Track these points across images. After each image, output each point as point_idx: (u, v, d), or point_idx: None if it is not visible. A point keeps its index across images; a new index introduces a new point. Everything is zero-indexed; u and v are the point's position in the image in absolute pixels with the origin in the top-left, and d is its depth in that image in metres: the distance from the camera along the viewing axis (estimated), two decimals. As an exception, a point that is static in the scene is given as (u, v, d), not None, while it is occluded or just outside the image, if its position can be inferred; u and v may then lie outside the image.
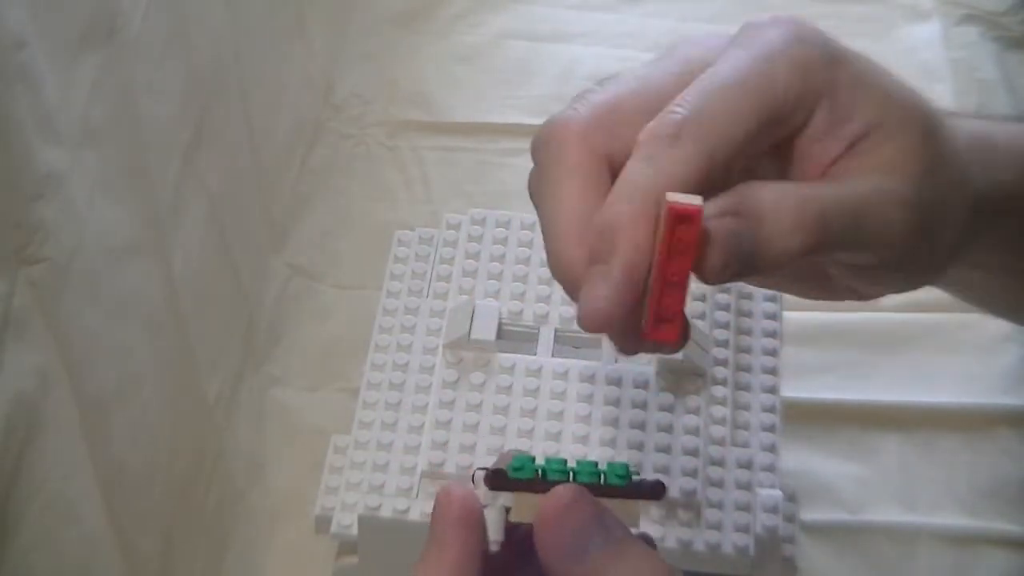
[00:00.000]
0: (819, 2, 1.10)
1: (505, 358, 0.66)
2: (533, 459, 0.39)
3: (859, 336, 0.84)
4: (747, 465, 0.64)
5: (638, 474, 0.40)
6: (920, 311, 0.86)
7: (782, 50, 0.42)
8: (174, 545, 0.69)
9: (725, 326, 0.67)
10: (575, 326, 0.68)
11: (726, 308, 0.68)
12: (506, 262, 0.71)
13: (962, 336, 0.85)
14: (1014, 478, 0.78)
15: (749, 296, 0.69)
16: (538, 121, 1.08)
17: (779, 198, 0.40)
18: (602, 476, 0.39)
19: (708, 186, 0.40)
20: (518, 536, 0.39)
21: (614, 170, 0.41)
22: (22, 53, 0.53)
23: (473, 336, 0.66)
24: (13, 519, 0.54)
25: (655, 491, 0.40)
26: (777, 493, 0.63)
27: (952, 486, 0.78)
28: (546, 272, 0.70)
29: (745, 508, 0.62)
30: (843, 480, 0.79)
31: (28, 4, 0.54)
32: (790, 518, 0.66)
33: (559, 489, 0.38)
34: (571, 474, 0.39)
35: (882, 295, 0.47)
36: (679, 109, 0.40)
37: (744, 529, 0.62)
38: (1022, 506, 0.77)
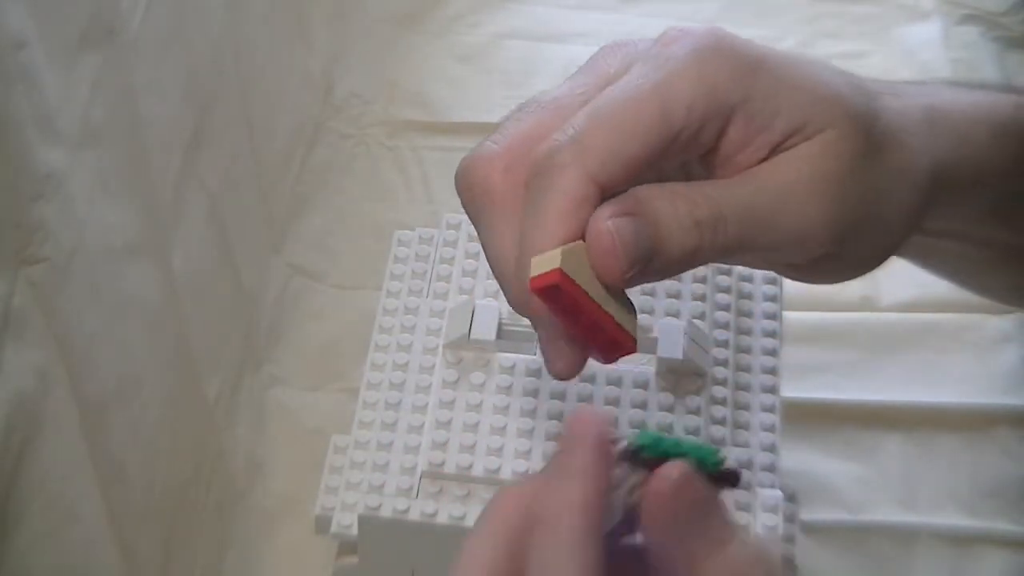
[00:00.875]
0: (819, 2, 1.10)
1: (505, 358, 0.66)
2: (658, 437, 0.39)
3: (859, 336, 0.84)
4: (747, 465, 0.64)
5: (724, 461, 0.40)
6: (920, 311, 0.86)
7: (688, 67, 0.41)
8: (174, 545, 0.69)
9: (725, 326, 0.67)
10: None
11: (726, 308, 0.68)
12: (506, 262, 0.71)
13: (962, 336, 0.85)
14: (1014, 478, 0.78)
15: (749, 296, 0.69)
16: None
17: (672, 199, 0.40)
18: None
19: (586, 211, 0.40)
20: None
21: None
22: (22, 53, 0.53)
23: (473, 336, 0.66)
24: (13, 519, 0.54)
25: (734, 478, 0.40)
26: (777, 493, 0.63)
27: (952, 486, 0.78)
28: (546, 272, 0.70)
29: (745, 508, 0.62)
30: (843, 480, 0.79)
31: (28, 4, 0.54)
32: (790, 518, 0.66)
33: (672, 465, 0.37)
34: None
35: (837, 282, 0.47)
36: (560, 136, 0.41)
37: (744, 529, 0.62)
38: (1022, 506, 0.77)
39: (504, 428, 0.64)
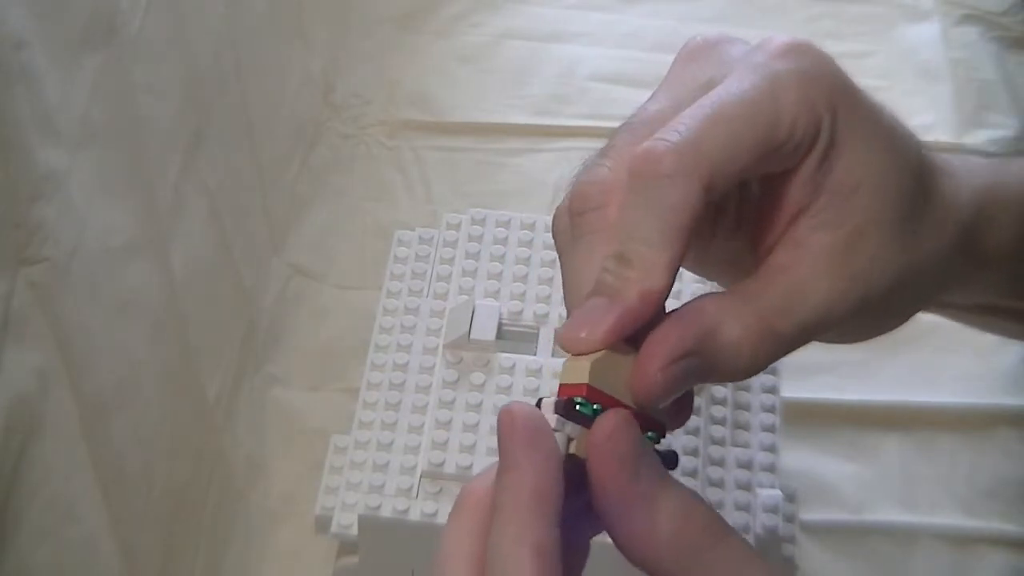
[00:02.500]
0: (819, 2, 1.10)
1: (505, 358, 0.66)
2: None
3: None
4: (747, 465, 0.64)
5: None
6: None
7: (795, 82, 0.40)
8: (174, 545, 0.69)
9: (725, 326, 0.67)
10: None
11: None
12: (506, 262, 0.71)
13: (962, 336, 0.85)
14: (1014, 478, 0.78)
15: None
16: (538, 121, 1.08)
17: (740, 337, 0.39)
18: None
19: (696, 222, 0.38)
20: (569, 467, 0.37)
21: None
22: (22, 53, 0.53)
23: (473, 336, 0.66)
24: (13, 519, 0.54)
25: (667, 460, 0.39)
26: (777, 493, 0.63)
27: (952, 486, 0.78)
28: (546, 272, 0.70)
29: (745, 508, 0.62)
30: (843, 480, 0.79)
31: (28, 4, 0.54)
32: (790, 518, 0.66)
33: (608, 414, 0.37)
34: None
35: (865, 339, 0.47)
36: (669, 136, 0.39)
37: (744, 529, 0.62)
38: (1022, 506, 0.77)
39: (504, 428, 0.64)
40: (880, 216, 0.41)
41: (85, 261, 0.58)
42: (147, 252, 0.66)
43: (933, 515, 0.77)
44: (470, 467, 0.62)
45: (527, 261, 0.71)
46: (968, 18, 1.07)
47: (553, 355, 0.67)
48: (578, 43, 1.06)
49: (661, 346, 0.38)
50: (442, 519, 0.61)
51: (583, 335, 0.38)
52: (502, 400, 0.65)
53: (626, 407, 0.38)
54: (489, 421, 0.64)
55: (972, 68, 1.03)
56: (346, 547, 0.67)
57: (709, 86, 0.41)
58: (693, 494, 0.37)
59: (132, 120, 0.64)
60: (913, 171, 0.42)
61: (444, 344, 0.67)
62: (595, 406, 0.38)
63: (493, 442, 0.63)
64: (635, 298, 0.38)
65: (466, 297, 0.69)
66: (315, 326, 0.87)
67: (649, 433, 0.39)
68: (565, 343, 0.38)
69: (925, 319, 0.85)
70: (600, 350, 0.38)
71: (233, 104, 0.81)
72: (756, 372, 0.40)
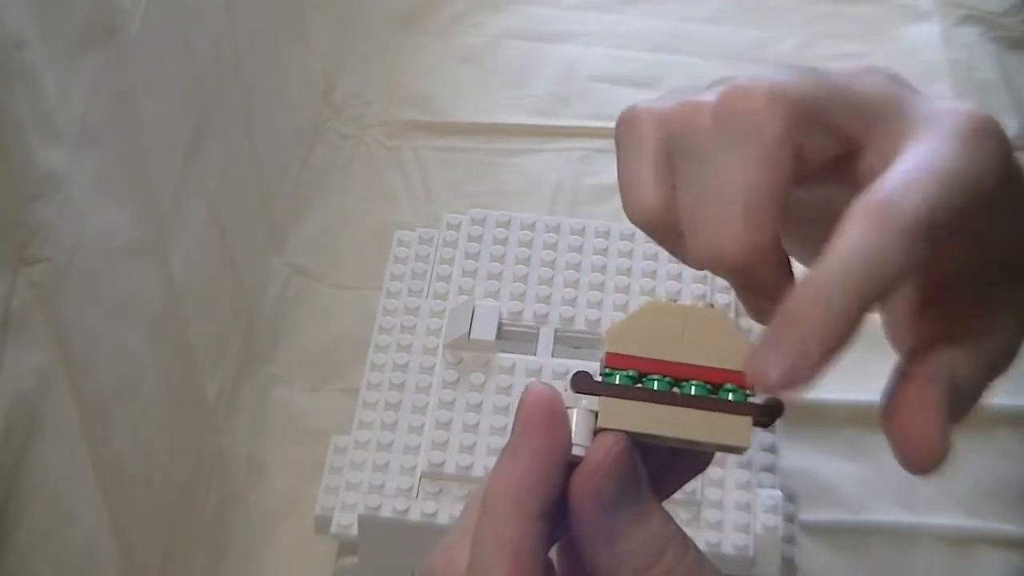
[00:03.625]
0: (819, 2, 1.10)
1: (505, 358, 0.66)
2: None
3: (859, 336, 0.84)
4: (747, 465, 0.64)
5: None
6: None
7: (989, 145, 0.37)
8: (174, 545, 0.69)
9: (725, 326, 0.67)
10: (575, 326, 0.68)
11: (727, 308, 0.68)
12: (506, 262, 0.71)
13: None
14: (1014, 478, 0.78)
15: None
16: (538, 121, 1.08)
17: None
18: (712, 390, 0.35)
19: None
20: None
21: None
22: (22, 53, 0.53)
23: (473, 336, 0.66)
24: (13, 519, 0.54)
25: (773, 411, 0.37)
26: (777, 493, 0.63)
27: (952, 486, 0.78)
28: (546, 272, 0.70)
29: (745, 508, 0.62)
30: (843, 480, 0.79)
31: (28, 4, 0.54)
32: (790, 518, 0.66)
33: (605, 438, 0.35)
34: (675, 387, 0.35)
35: None
36: (914, 196, 0.35)
37: (744, 529, 0.62)
38: (1021, 506, 0.77)
39: (504, 428, 0.64)
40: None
41: (85, 261, 0.58)
42: (147, 252, 0.66)
43: (933, 515, 0.77)
44: (470, 467, 0.62)
45: (527, 261, 0.71)
46: (968, 18, 1.07)
47: (553, 355, 0.67)
48: (578, 43, 1.06)
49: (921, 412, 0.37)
50: (442, 519, 0.61)
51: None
52: (502, 400, 0.65)
53: (677, 366, 0.35)
54: (489, 421, 0.64)
55: (972, 68, 1.03)
56: (346, 547, 0.67)
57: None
58: (669, 529, 0.35)
59: (132, 120, 0.64)
60: None
61: (444, 344, 0.67)
62: (629, 372, 0.35)
63: (493, 442, 0.63)
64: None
65: (466, 297, 0.69)
66: (315, 326, 0.87)
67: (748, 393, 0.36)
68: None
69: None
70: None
71: (233, 104, 0.81)
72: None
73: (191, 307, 0.71)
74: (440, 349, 0.67)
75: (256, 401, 0.82)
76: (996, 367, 0.40)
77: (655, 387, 0.35)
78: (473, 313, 0.67)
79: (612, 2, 1.10)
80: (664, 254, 0.73)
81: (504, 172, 0.96)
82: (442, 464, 0.63)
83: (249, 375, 0.82)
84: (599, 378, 0.35)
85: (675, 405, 0.35)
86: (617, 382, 0.35)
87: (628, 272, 0.71)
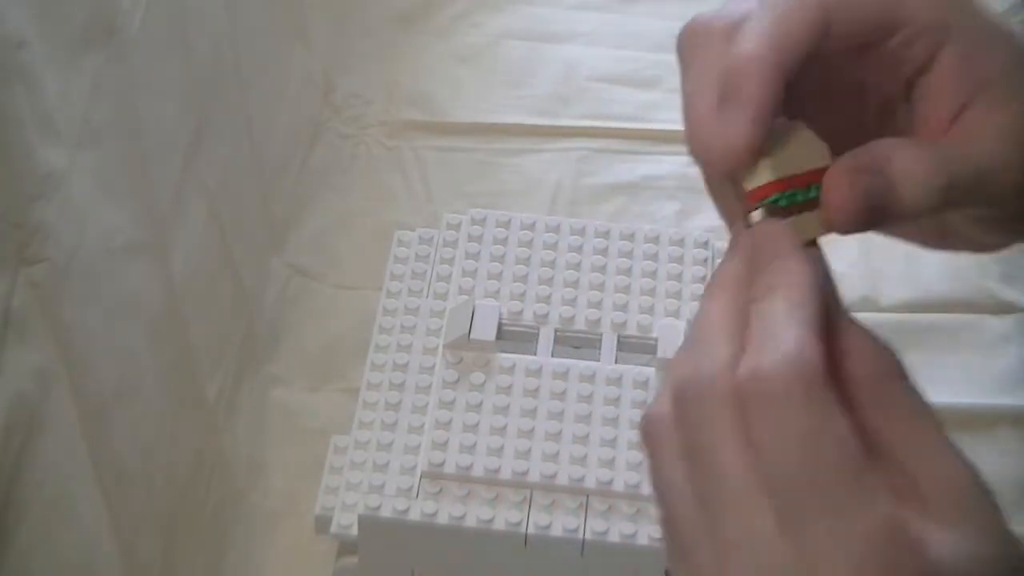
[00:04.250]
0: (819, 2, 1.10)
1: (505, 358, 0.66)
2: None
3: None
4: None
5: None
6: (920, 311, 0.86)
7: None
8: (174, 545, 0.69)
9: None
10: (575, 326, 0.68)
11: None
12: (506, 262, 0.71)
13: (962, 336, 0.85)
14: (1014, 478, 0.78)
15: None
16: (538, 121, 1.08)
17: (913, 161, 0.40)
18: None
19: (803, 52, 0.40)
20: None
21: None
22: (22, 53, 0.53)
23: (473, 336, 0.66)
24: (13, 519, 0.54)
25: None
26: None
27: (952, 486, 0.78)
28: (546, 272, 0.70)
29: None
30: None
31: (28, 4, 0.54)
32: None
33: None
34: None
35: (1001, 248, 0.47)
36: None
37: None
38: (1022, 506, 0.77)
39: (504, 428, 0.64)
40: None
41: (85, 261, 0.58)
42: (147, 252, 0.66)
43: (933, 515, 0.77)
44: (470, 467, 0.62)
45: (527, 261, 0.71)
46: (968, 18, 1.07)
47: (553, 355, 0.67)
48: (578, 43, 1.06)
49: (845, 162, 0.39)
50: (442, 519, 0.61)
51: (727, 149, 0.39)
52: (502, 400, 0.65)
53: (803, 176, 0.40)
54: (489, 421, 0.64)
55: (972, 68, 1.03)
56: (346, 547, 0.67)
57: None
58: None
59: (132, 120, 0.64)
60: None
61: (444, 344, 0.67)
62: (809, 187, 0.39)
63: (493, 442, 0.63)
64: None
65: (466, 297, 0.69)
66: (315, 326, 0.87)
67: None
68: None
69: (925, 319, 0.86)
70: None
71: (233, 104, 0.81)
72: (929, 211, 0.41)
73: (191, 307, 0.71)
74: (440, 349, 0.67)
75: (256, 401, 0.82)
76: (980, 177, 0.41)
77: (812, 194, 0.40)
78: (473, 313, 0.67)
79: (612, 2, 1.10)
80: (664, 254, 0.73)
81: (504, 172, 0.96)
82: (442, 464, 0.63)
83: (249, 375, 0.82)
84: (758, 214, 0.39)
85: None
86: (786, 204, 0.40)
87: (628, 272, 0.71)
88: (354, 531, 0.64)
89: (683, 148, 0.41)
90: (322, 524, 0.66)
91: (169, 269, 0.68)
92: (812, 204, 0.40)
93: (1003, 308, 0.86)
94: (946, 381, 0.83)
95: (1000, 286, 0.88)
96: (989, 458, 0.79)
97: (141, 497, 0.65)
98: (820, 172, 0.40)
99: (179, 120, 0.71)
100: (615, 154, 0.96)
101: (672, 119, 0.61)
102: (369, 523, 0.62)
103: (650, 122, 0.98)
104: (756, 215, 0.39)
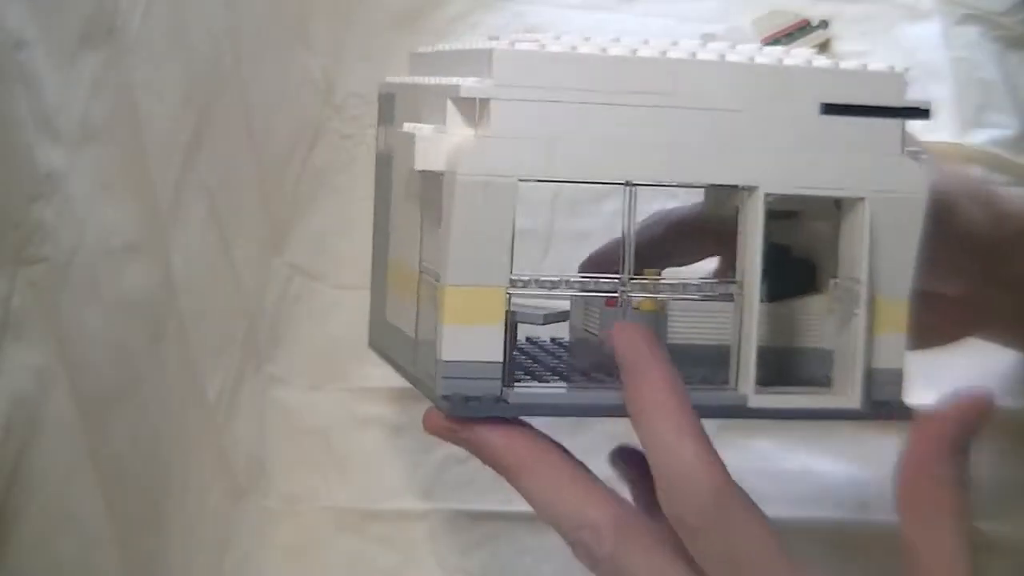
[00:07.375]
0: (819, 2, 1.10)
1: (505, 358, 0.66)
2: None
3: None
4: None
5: None
6: (920, 311, 0.86)
7: None
8: (174, 545, 0.69)
9: (725, 326, 0.67)
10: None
11: (726, 308, 0.68)
12: (506, 262, 0.71)
13: (962, 336, 0.85)
14: (1014, 478, 0.78)
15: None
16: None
17: None
18: None
19: None
20: None
21: None
22: (22, 53, 0.53)
23: (473, 336, 0.66)
24: (13, 519, 0.54)
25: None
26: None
27: (952, 486, 0.78)
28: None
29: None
30: (843, 480, 0.78)
31: (28, 4, 0.54)
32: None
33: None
34: None
35: None
36: None
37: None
38: (1022, 506, 0.77)
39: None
40: None
41: (85, 261, 0.58)
42: (147, 252, 0.66)
43: (933, 515, 0.77)
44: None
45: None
46: (968, 18, 1.07)
47: (553, 355, 0.67)
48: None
49: None
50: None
51: None
52: (502, 400, 0.64)
53: None
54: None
55: (973, 68, 1.03)
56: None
57: None
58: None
59: (132, 120, 0.64)
60: None
61: (444, 344, 0.67)
62: None
63: (493, 442, 0.63)
64: None
65: (466, 297, 0.69)
66: (315, 326, 0.87)
67: None
68: None
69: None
70: None
71: (233, 104, 0.81)
72: None
73: (191, 307, 0.71)
74: (440, 349, 0.67)
75: (257, 401, 0.82)
76: None
77: None
78: (473, 313, 0.67)
79: (612, 2, 1.10)
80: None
81: (504, 172, 0.96)
82: (442, 464, 0.62)
83: (249, 375, 0.82)
84: None
85: None
86: None
87: (628, 272, 0.70)
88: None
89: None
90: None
91: (168, 269, 0.68)
92: None
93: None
94: (946, 381, 0.83)
95: (1000, 286, 0.88)
96: (989, 458, 0.80)
97: (141, 497, 0.65)
98: None
99: (179, 120, 0.71)
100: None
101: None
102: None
103: (650, 122, 0.98)
104: None
